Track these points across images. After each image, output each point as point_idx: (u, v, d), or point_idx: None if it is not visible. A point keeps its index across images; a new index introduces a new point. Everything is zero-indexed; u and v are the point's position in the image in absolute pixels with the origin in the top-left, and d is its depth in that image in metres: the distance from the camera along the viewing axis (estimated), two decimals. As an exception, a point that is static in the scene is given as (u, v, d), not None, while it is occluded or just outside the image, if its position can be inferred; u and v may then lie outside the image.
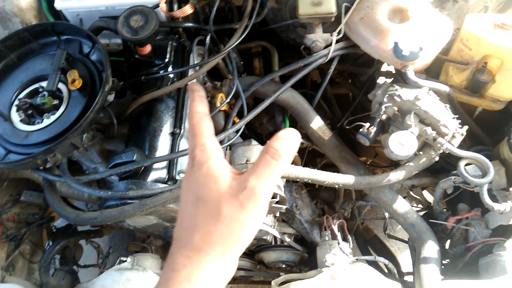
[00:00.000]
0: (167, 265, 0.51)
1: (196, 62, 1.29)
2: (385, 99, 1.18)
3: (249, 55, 1.63)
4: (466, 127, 1.19)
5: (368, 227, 1.68)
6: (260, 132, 1.61)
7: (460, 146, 1.20)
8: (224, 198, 0.50)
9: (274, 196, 1.17)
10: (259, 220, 0.52)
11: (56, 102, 1.16)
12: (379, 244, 1.62)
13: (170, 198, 1.02)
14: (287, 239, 1.37)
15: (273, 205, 1.19)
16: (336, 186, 1.19)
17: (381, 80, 1.72)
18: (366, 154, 1.75)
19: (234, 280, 1.57)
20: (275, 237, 1.44)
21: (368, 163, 1.81)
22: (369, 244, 1.63)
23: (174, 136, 1.20)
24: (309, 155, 1.65)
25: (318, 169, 1.23)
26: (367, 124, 1.20)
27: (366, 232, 1.65)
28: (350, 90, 1.83)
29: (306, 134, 1.47)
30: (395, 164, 1.64)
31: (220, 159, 0.54)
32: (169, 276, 0.49)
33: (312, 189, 1.66)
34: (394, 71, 1.58)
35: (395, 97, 1.17)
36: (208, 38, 1.30)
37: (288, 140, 0.53)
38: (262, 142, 1.35)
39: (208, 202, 0.51)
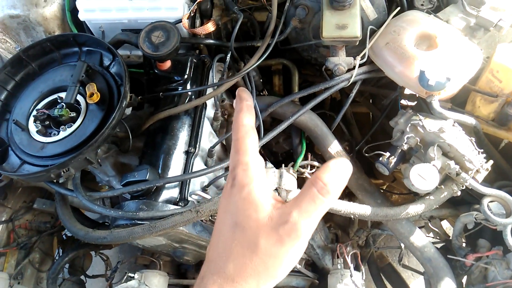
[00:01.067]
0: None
1: (215, 80, 1.27)
2: (407, 129, 1.14)
3: (269, 72, 1.61)
4: (491, 162, 1.14)
5: (383, 255, 1.63)
6: (276, 150, 1.59)
7: (484, 179, 1.15)
8: (263, 230, 0.47)
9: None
10: (297, 257, 0.49)
11: (73, 114, 1.15)
12: (393, 273, 1.57)
13: (180, 222, 1.00)
14: (298, 265, 1.34)
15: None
16: (352, 216, 1.15)
17: (403, 102, 1.69)
18: (384, 178, 1.70)
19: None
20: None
21: (385, 187, 1.76)
22: (382, 272, 1.58)
23: (188, 155, 1.18)
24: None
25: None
26: (387, 154, 1.15)
27: (380, 259, 1.60)
28: (370, 110, 1.79)
29: (323, 157, 1.44)
30: (414, 191, 1.60)
31: (263, 183, 0.50)
32: None
33: (326, 212, 1.63)
34: (417, 95, 1.54)
35: (419, 128, 1.13)
36: (228, 56, 1.28)
37: (339, 173, 0.48)
38: (278, 161, 1.33)
39: (246, 230, 0.47)
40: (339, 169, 0.48)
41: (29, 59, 1.26)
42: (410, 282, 1.73)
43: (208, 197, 1.12)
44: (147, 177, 1.06)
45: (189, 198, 1.12)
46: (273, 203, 0.49)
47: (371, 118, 1.88)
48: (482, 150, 1.12)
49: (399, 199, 1.68)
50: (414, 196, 1.63)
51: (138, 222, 1.03)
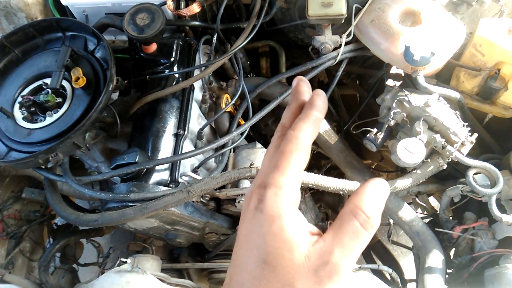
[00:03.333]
0: None
1: (202, 62, 1.27)
2: (394, 105, 1.15)
3: (256, 55, 1.61)
4: (475, 135, 1.16)
5: (372, 232, 1.65)
6: (265, 133, 1.59)
7: (469, 153, 1.17)
8: (299, 272, 0.40)
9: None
10: None
11: (59, 100, 1.14)
12: (383, 250, 1.60)
13: (172, 202, 1.01)
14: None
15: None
16: (341, 192, 1.16)
17: (389, 82, 1.70)
18: (371, 157, 1.72)
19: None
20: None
21: (374, 166, 1.79)
22: (372, 249, 1.61)
23: (178, 137, 1.18)
24: (314, 157, 1.63)
25: (323, 172, 1.21)
26: (375, 130, 1.17)
27: (370, 237, 1.63)
28: (357, 91, 1.81)
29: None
30: (401, 169, 1.62)
31: (297, 215, 0.42)
32: None
33: (316, 192, 1.64)
34: (403, 74, 1.55)
35: (405, 103, 1.14)
36: (215, 37, 1.28)
37: (380, 199, 0.42)
38: (267, 143, 1.33)
39: (279, 271, 0.40)
40: (380, 194, 0.42)
41: (12, 46, 1.24)
42: (400, 260, 1.76)
43: (199, 177, 1.12)
44: (136, 160, 1.06)
45: (180, 180, 1.13)
46: (309, 238, 0.41)
47: (358, 99, 1.90)
48: (466, 124, 1.14)
49: (387, 177, 1.70)
50: (401, 174, 1.66)
51: (129, 204, 1.02)
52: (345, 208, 0.42)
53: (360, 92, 1.79)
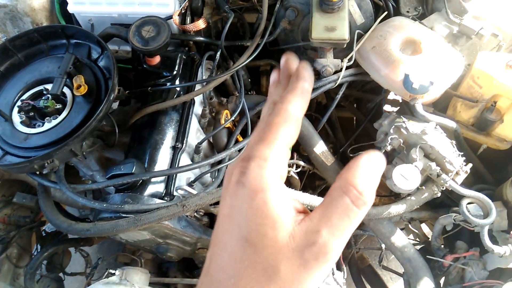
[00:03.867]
0: None
1: (204, 77, 1.28)
2: (391, 130, 1.17)
3: (257, 73, 1.62)
4: (470, 165, 1.18)
5: (363, 256, 1.65)
6: (262, 150, 1.60)
7: (463, 183, 1.18)
8: (283, 252, 0.36)
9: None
10: (321, 280, 0.38)
11: (59, 106, 1.14)
12: (373, 275, 1.59)
13: (166, 215, 1.00)
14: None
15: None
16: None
17: (387, 108, 1.73)
18: (366, 181, 1.73)
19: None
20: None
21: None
22: (362, 273, 1.60)
23: (175, 150, 1.18)
24: (308, 178, 1.64)
25: (317, 193, 1.21)
26: (372, 154, 1.18)
27: (361, 261, 1.62)
28: (354, 114, 1.83)
29: (308, 157, 1.45)
30: (395, 194, 1.63)
31: (282, 190, 0.38)
32: None
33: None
34: (401, 100, 1.58)
35: (402, 129, 1.16)
36: (218, 53, 1.29)
37: (374, 173, 0.37)
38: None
39: (261, 251, 0.36)
40: (374, 167, 0.37)
41: (15, 49, 1.24)
42: (389, 286, 1.76)
43: (194, 192, 1.12)
44: (133, 171, 1.06)
45: (175, 193, 1.12)
46: (294, 216, 0.37)
47: (355, 122, 1.92)
48: (462, 153, 1.16)
49: (379, 202, 1.70)
50: (394, 199, 1.67)
51: (123, 215, 1.02)
52: (335, 184, 0.37)
53: (357, 116, 1.81)
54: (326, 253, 0.36)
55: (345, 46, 1.23)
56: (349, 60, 1.24)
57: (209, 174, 1.27)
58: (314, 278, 0.36)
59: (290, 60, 0.46)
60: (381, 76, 1.22)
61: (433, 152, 1.13)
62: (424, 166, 1.12)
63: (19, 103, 1.17)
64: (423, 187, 1.16)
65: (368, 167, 0.37)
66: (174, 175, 1.13)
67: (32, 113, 1.15)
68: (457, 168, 1.12)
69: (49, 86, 1.17)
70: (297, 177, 1.38)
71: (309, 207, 1.15)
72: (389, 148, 1.16)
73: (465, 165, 1.17)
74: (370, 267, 1.61)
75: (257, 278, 0.36)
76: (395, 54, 1.21)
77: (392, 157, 1.21)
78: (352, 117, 2.01)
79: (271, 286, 0.36)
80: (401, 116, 1.19)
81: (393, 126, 1.17)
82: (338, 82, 1.25)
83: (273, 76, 0.48)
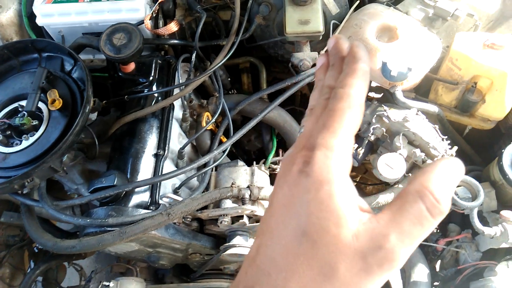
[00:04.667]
0: None
1: (181, 80, 1.26)
2: (373, 120, 1.16)
3: (237, 71, 1.60)
4: (455, 148, 1.17)
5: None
6: (248, 149, 1.58)
7: (450, 166, 1.18)
8: (344, 252, 0.33)
9: (260, 220, 1.14)
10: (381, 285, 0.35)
11: (35, 122, 1.12)
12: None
13: (151, 226, 0.99)
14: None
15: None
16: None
17: (371, 94, 1.72)
18: (355, 170, 1.72)
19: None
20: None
21: (358, 179, 1.79)
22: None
23: (158, 157, 1.16)
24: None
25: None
26: (355, 145, 1.17)
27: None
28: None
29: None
30: (384, 182, 1.62)
31: (348, 184, 0.35)
32: None
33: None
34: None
35: (384, 118, 1.15)
36: (193, 55, 1.27)
37: (454, 181, 0.34)
38: (250, 159, 1.33)
39: (320, 247, 0.33)
40: (453, 175, 0.35)
41: (-14, 68, 1.21)
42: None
43: (180, 199, 1.11)
44: (115, 183, 1.04)
45: (161, 201, 1.11)
46: (360, 214, 0.34)
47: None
48: (446, 137, 1.15)
49: (373, 190, 1.70)
50: (385, 186, 1.66)
51: (108, 229, 1.00)
52: (409, 187, 0.34)
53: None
54: (392, 261, 0.33)
55: (321, 38, 1.21)
56: (326, 51, 1.22)
57: (195, 178, 1.26)
58: (373, 285, 0.33)
59: (340, 41, 0.43)
60: (360, 66, 1.20)
61: (417, 139, 1.12)
62: (408, 153, 1.11)
63: (-6, 122, 1.15)
64: (410, 174, 1.16)
65: (447, 172, 0.34)
66: (158, 183, 1.11)
67: (9, 132, 1.13)
68: (441, 152, 1.11)
69: (23, 103, 1.15)
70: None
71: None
72: (372, 137, 1.15)
73: (450, 149, 1.16)
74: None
75: (312, 276, 0.33)
76: (372, 43, 1.19)
77: (377, 146, 1.20)
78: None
79: (326, 286, 0.33)
80: (382, 105, 1.18)
81: (375, 115, 1.16)
82: (317, 75, 1.23)
83: (321, 60, 0.45)
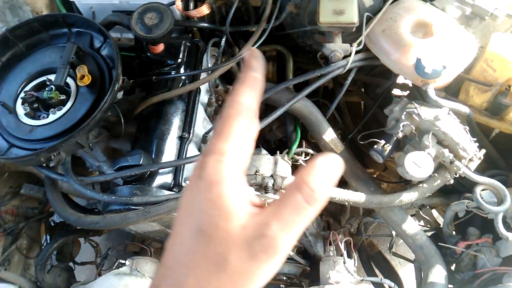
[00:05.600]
0: None
1: (209, 64, 1.25)
2: (403, 117, 1.14)
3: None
4: (483, 151, 1.15)
5: (372, 243, 1.64)
6: (269, 138, 1.58)
7: (475, 168, 1.16)
8: (234, 243, 0.37)
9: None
10: (271, 275, 0.39)
11: (63, 97, 1.12)
12: (383, 261, 1.59)
13: (176, 207, 0.99)
14: (291, 252, 1.34)
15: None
16: (346, 203, 1.15)
17: (396, 92, 1.69)
18: (374, 167, 1.71)
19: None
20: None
21: (375, 175, 1.77)
22: (372, 260, 1.59)
23: (182, 140, 1.16)
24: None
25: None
26: (382, 141, 1.15)
27: (370, 247, 1.62)
28: (362, 99, 1.79)
29: (316, 144, 1.43)
30: (404, 180, 1.61)
31: (238, 183, 0.39)
32: None
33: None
34: (411, 85, 1.54)
35: (414, 116, 1.13)
36: (223, 40, 1.26)
37: (329, 174, 0.38)
38: (271, 149, 1.32)
39: (213, 241, 0.38)
40: (329, 169, 0.38)
41: (16, 40, 1.21)
42: (398, 270, 1.75)
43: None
44: (140, 162, 1.04)
45: (184, 184, 1.11)
46: (249, 209, 0.39)
47: (363, 107, 1.89)
48: (475, 139, 1.13)
49: (388, 188, 1.69)
50: (404, 185, 1.65)
51: (132, 207, 1.01)
52: (291, 182, 0.39)
53: (365, 100, 1.77)
54: (275, 247, 0.37)
55: (354, 29, 1.19)
56: (359, 44, 1.20)
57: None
58: (262, 271, 0.37)
59: (251, 59, 0.45)
60: (392, 61, 1.19)
61: (446, 139, 1.10)
62: (437, 153, 1.10)
63: (22, 94, 1.15)
64: (436, 174, 1.14)
65: (323, 167, 0.38)
66: (182, 165, 1.11)
67: (36, 105, 1.13)
68: (470, 154, 1.09)
69: (52, 77, 1.15)
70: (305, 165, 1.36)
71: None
72: (400, 134, 1.14)
73: (479, 151, 1.14)
74: (379, 253, 1.60)
75: (208, 267, 0.37)
76: (406, 38, 1.17)
77: (403, 144, 1.18)
78: (359, 101, 1.97)
79: (221, 276, 0.37)
80: (413, 102, 1.16)
81: (405, 112, 1.14)
82: (348, 67, 1.22)
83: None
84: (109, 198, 1.01)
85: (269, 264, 0.37)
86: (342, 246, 1.25)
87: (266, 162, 1.20)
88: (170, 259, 0.39)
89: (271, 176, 1.11)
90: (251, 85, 0.42)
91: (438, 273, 1.19)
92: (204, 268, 0.37)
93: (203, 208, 0.38)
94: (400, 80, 1.60)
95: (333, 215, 1.63)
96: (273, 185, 1.09)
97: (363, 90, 1.81)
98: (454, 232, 1.30)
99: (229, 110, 0.40)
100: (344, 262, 1.21)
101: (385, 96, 1.52)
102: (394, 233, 1.36)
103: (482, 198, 1.12)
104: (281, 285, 1.42)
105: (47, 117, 1.11)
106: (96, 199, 1.06)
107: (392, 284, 1.21)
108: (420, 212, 1.40)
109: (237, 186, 0.39)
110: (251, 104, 0.41)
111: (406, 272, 1.93)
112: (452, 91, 1.31)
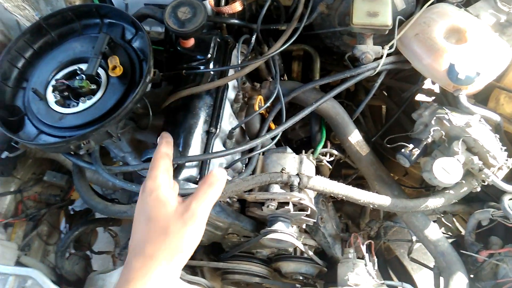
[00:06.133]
0: (125, 269, 0.63)
1: (239, 61, 1.25)
2: (433, 122, 1.13)
3: (288, 58, 1.59)
4: (512, 160, 1.14)
5: (390, 247, 1.63)
6: (291, 137, 1.58)
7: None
8: (171, 218, 0.64)
9: (305, 209, 1.14)
10: (199, 234, 0.67)
11: (93, 87, 1.12)
12: (400, 266, 1.58)
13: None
14: (310, 252, 1.34)
15: (303, 217, 1.15)
16: (371, 206, 1.14)
17: (421, 97, 1.68)
18: (395, 172, 1.70)
19: (247, 285, 1.54)
20: (295, 248, 1.41)
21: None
22: (389, 264, 1.59)
23: (209, 135, 1.16)
24: (335, 166, 1.61)
25: (348, 183, 1.19)
26: (411, 146, 1.15)
27: (387, 252, 1.61)
28: (385, 103, 1.78)
29: (340, 146, 1.43)
30: (425, 186, 1.60)
31: (168, 189, 0.69)
32: (127, 277, 0.62)
33: (336, 201, 1.62)
34: (436, 91, 1.53)
35: (445, 121, 1.12)
36: (253, 37, 1.26)
37: (220, 174, 0.70)
38: (292, 148, 1.32)
39: (158, 221, 0.65)
40: (220, 172, 0.71)
41: (49, 28, 1.22)
42: (412, 275, 1.74)
43: (229, 178, 1.11)
44: (169, 155, 1.04)
45: (210, 179, 1.11)
46: (177, 201, 0.68)
47: (386, 111, 1.88)
48: (505, 148, 1.12)
49: (413, 194, 1.68)
50: (425, 191, 1.64)
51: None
52: (201, 182, 0.71)
53: (388, 104, 1.77)
54: (196, 214, 0.66)
55: (387, 32, 1.18)
56: (390, 47, 1.20)
57: (240, 162, 1.26)
58: (192, 231, 0.66)
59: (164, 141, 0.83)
60: (423, 65, 1.18)
61: (476, 146, 1.09)
62: (466, 160, 1.09)
63: (53, 82, 1.16)
64: (463, 181, 1.13)
65: (216, 171, 0.71)
66: (209, 160, 1.12)
67: (67, 93, 1.14)
68: (500, 163, 1.09)
69: (82, 66, 1.16)
70: (330, 166, 1.36)
71: (344, 198, 1.14)
72: (430, 139, 1.13)
73: (507, 160, 1.13)
74: (396, 258, 1.60)
75: (158, 237, 0.64)
76: (439, 42, 1.16)
77: (431, 149, 1.17)
78: (380, 105, 1.96)
79: (165, 239, 0.63)
80: (444, 108, 1.16)
81: (435, 117, 1.13)
82: (378, 69, 1.21)
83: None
84: (137, 188, 1.02)
85: (195, 226, 0.66)
86: (363, 249, 1.24)
87: (291, 160, 1.20)
88: (134, 242, 0.66)
89: (297, 175, 1.11)
90: (165, 144, 0.80)
91: (459, 281, 1.18)
92: (155, 238, 0.63)
93: (149, 204, 0.67)
94: (425, 86, 1.59)
95: (351, 218, 1.62)
96: (299, 183, 1.09)
97: (385, 94, 1.80)
98: (475, 241, 1.29)
99: (156, 154, 0.76)
100: (366, 265, 1.20)
101: (409, 101, 1.52)
102: (414, 238, 1.35)
103: (510, 207, 1.10)
104: (297, 285, 1.42)
105: (77, 105, 1.12)
106: (125, 189, 1.06)
107: (412, 288, 1.20)
108: (442, 219, 1.39)
109: (167, 190, 0.69)
110: (168, 152, 0.78)
111: (420, 277, 1.92)
112: (481, 98, 1.30)
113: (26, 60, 1.22)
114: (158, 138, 0.81)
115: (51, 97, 1.14)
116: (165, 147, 0.78)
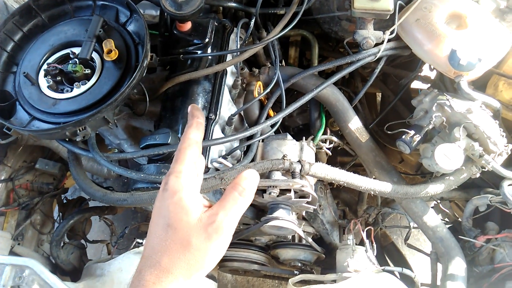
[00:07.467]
0: (136, 280, 0.54)
1: (238, 46, 1.22)
2: (434, 108, 1.13)
3: (285, 43, 1.56)
4: (511, 146, 1.15)
5: (386, 234, 1.64)
6: (288, 125, 1.56)
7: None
8: (193, 230, 0.54)
9: (306, 196, 1.13)
10: (223, 249, 0.57)
11: (88, 71, 1.09)
12: (396, 252, 1.59)
13: (204, 188, 0.98)
14: (309, 239, 1.33)
15: (304, 204, 1.15)
16: (372, 193, 1.14)
17: (416, 84, 1.68)
18: (390, 159, 1.70)
19: (245, 273, 1.54)
20: (293, 235, 1.41)
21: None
22: (385, 251, 1.60)
23: (209, 121, 1.14)
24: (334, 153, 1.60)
25: (347, 170, 1.19)
26: (412, 132, 1.14)
27: (384, 238, 1.62)
28: (381, 90, 1.78)
29: (337, 132, 1.42)
30: (421, 173, 1.61)
31: (193, 191, 0.57)
32: None
33: (332, 188, 1.62)
34: (433, 77, 1.53)
35: (446, 107, 1.12)
36: (252, 22, 1.23)
37: (253, 180, 0.59)
38: (291, 135, 1.30)
39: (178, 231, 0.54)
40: (253, 177, 0.59)
41: (39, 10, 1.18)
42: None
43: (230, 165, 1.09)
44: (168, 141, 1.02)
45: (210, 166, 1.09)
46: (202, 207, 0.57)
47: (381, 98, 1.87)
48: (505, 134, 1.12)
49: (413, 181, 1.68)
50: (420, 177, 1.65)
51: (160, 185, 0.99)
52: (229, 186, 0.58)
53: (384, 91, 1.76)
54: (222, 228, 0.55)
55: (388, 17, 1.17)
56: (391, 32, 1.18)
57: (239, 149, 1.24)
58: (216, 247, 0.55)
59: (194, 110, 0.65)
60: (424, 51, 1.17)
61: (477, 132, 1.09)
62: (466, 146, 1.09)
63: (45, 66, 1.12)
64: (463, 167, 1.14)
65: (248, 175, 0.59)
66: (208, 147, 1.10)
67: (59, 78, 1.10)
68: (501, 148, 1.09)
69: (75, 50, 1.12)
70: (329, 153, 1.35)
71: (345, 184, 1.14)
72: (431, 126, 1.12)
73: (506, 146, 1.13)
74: (392, 245, 1.61)
75: (176, 249, 0.54)
76: (440, 28, 1.15)
77: (431, 136, 1.17)
78: (374, 93, 1.96)
79: (186, 253, 0.54)
80: (444, 94, 1.15)
81: (436, 104, 1.13)
82: (378, 55, 1.20)
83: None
84: (137, 175, 0.99)
85: (220, 241, 0.55)
86: (364, 235, 1.24)
87: (292, 147, 1.19)
88: (148, 249, 0.55)
89: (299, 161, 1.09)
90: (196, 127, 0.62)
91: (458, 266, 1.19)
92: (174, 250, 0.54)
93: (169, 209, 0.55)
94: (422, 72, 1.58)
95: (348, 205, 1.62)
96: (301, 170, 1.08)
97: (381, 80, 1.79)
98: (473, 227, 1.30)
99: (182, 143, 0.60)
100: (366, 251, 1.20)
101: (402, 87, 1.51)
102: (412, 225, 1.36)
103: (511, 194, 1.11)
104: (295, 271, 1.42)
105: (71, 90, 1.08)
106: (123, 175, 1.03)
107: (413, 274, 1.21)
108: (440, 205, 1.40)
109: (192, 193, 0.57)
110: (197, 139, 0.61)
111: (413, 263, 1.94)
112: (479, 84, 1.30)
113: (16, 43, 1.18)
114: (188, 115, 0.64)
115: (43, 82, 1.10)
116: (195, 130, 0.61)
